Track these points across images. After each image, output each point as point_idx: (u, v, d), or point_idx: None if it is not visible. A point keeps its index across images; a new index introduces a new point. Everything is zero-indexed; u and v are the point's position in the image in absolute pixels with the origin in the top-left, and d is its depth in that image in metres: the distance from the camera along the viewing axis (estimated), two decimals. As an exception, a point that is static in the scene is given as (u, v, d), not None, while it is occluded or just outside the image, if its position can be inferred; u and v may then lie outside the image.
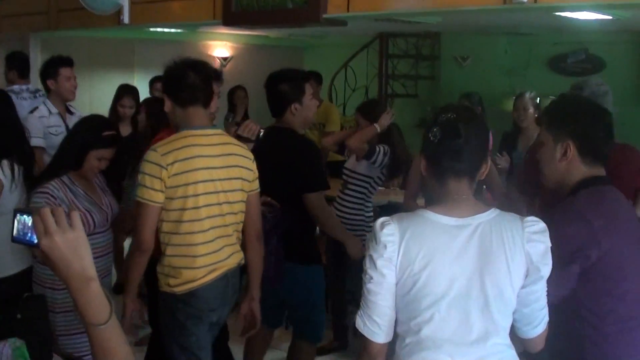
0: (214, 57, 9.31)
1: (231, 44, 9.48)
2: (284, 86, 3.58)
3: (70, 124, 5.00)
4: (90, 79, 7.78)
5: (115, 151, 3.23)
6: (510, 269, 1.90)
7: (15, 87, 5.97)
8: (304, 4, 4.92)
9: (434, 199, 2.04)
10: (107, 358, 1.35)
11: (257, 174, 3.17)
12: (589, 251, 2.19)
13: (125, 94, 5.80)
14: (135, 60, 8.67)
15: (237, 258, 3.13)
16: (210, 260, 2.99)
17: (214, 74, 3.25)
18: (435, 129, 1.97)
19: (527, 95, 5.16)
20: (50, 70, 5.03)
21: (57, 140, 4.23)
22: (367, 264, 1.96)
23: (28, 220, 1.36)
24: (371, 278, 1.94)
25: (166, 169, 2.85)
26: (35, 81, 6.61)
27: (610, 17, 5.41)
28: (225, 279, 3.07)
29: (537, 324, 2.01)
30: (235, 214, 3.08)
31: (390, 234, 1.92)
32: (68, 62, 5.08)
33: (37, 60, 7.67)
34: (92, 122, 3.33)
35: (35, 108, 4.97)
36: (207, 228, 2.98)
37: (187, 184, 2.90)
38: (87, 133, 3.21)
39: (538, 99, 5.14)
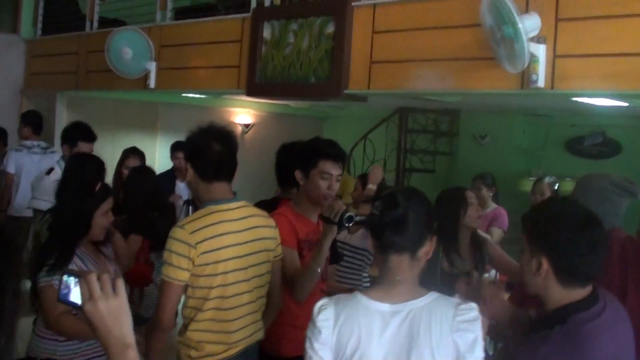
0: (236, 123, 9.46)
1: (253, 111, 9.64)
2: None
3: None
4: (112, 139, 7.87)
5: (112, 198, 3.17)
6: (435, 358, 1.91)
7: (27, 143, 6.40)
8: (326, 79, 5.03)
9: (377, 277, 2.10)
10: None
11: (279, 241, 3.12)
12: None
13: (131, 155, 5.33)
14: (158, 123, 8.82)
15: (259, 336, 3.08)
16: (236, 337, 2.95)
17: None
18: (377, 203, 2.06)
19: (546, 180, 5.17)
20: (69, 138, 5.00)
21: None
22: (307, 344, 2.03)
23: (71, 282, 1.43)
24: (310, 358, 2.01)
25: (195, 248, 2.79)
26: (46, 138, 6.89)
27: (626, 104, 5.47)
28: (245, 355, 3.02)
29: None
30: (262, 286, 3.06)
31: (325, 319, 2.00)
32: (90, 138, 4.99)
33: (62, 117, 7.88)
34: (79, 184, 3.18)
35: (52, 169, 4.97)
36: (235, 306, 2.93)
37: (217, 262, 2.85)
38: (82, 196, 3.08)
39: (557, 184, 5.15)
